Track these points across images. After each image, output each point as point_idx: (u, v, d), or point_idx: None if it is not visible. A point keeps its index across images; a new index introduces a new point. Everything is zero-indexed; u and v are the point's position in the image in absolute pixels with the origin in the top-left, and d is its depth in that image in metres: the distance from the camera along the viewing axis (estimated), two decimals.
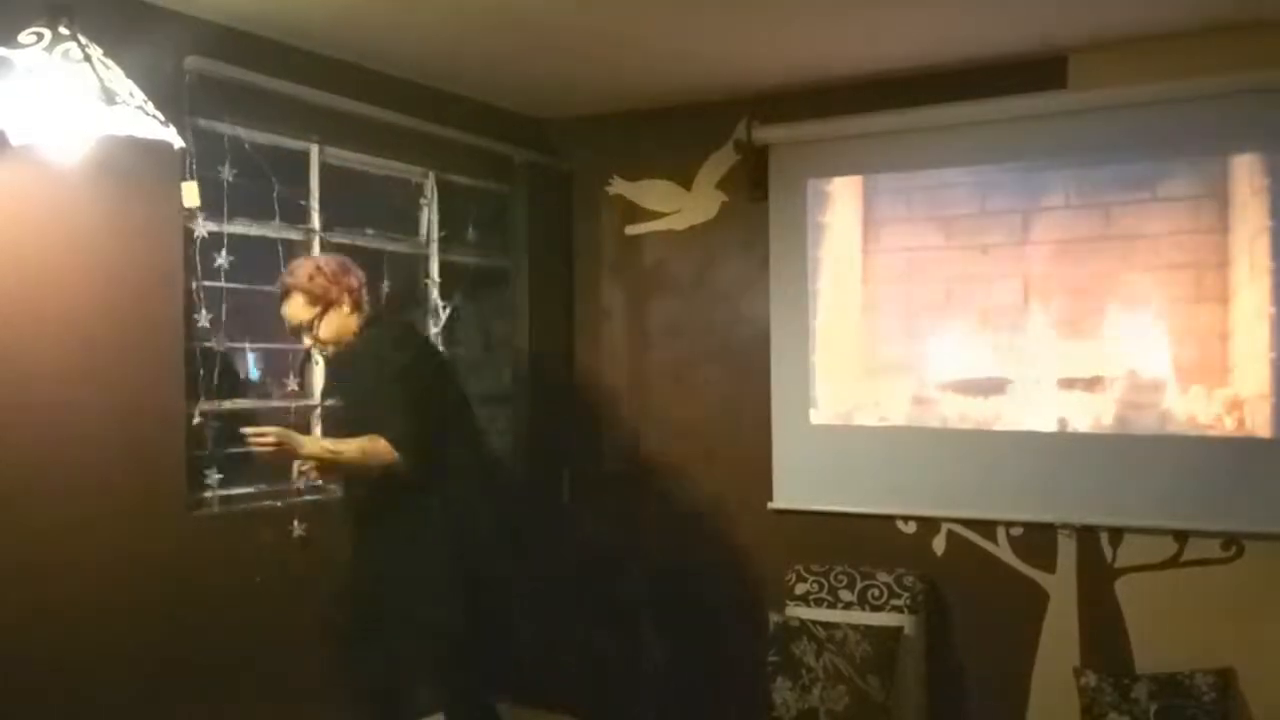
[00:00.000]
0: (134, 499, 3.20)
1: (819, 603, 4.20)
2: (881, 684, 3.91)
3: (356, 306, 3.28)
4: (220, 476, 3.50)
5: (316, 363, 3.79)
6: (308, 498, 3.71)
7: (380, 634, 3.20)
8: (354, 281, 3.28)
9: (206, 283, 3.46)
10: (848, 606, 4.15)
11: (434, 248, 4.46)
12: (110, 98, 2.68)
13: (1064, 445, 4.01)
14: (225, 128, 3.54)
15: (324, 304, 3.24)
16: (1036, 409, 4.06)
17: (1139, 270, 3.90)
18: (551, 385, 4.83)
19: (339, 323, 3.27)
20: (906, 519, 4.25)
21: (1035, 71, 3.96)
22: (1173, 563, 3.83)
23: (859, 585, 4.17)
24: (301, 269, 3.28)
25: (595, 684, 4.34)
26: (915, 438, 4.25)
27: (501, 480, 3.52)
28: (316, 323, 3.25)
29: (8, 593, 2.89)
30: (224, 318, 3.51)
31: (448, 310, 4.51)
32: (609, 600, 4.39)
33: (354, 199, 4.11)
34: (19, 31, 2.69)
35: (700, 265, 4.68)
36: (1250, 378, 3.73)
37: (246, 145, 3.61)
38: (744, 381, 4.55)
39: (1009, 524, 4.08)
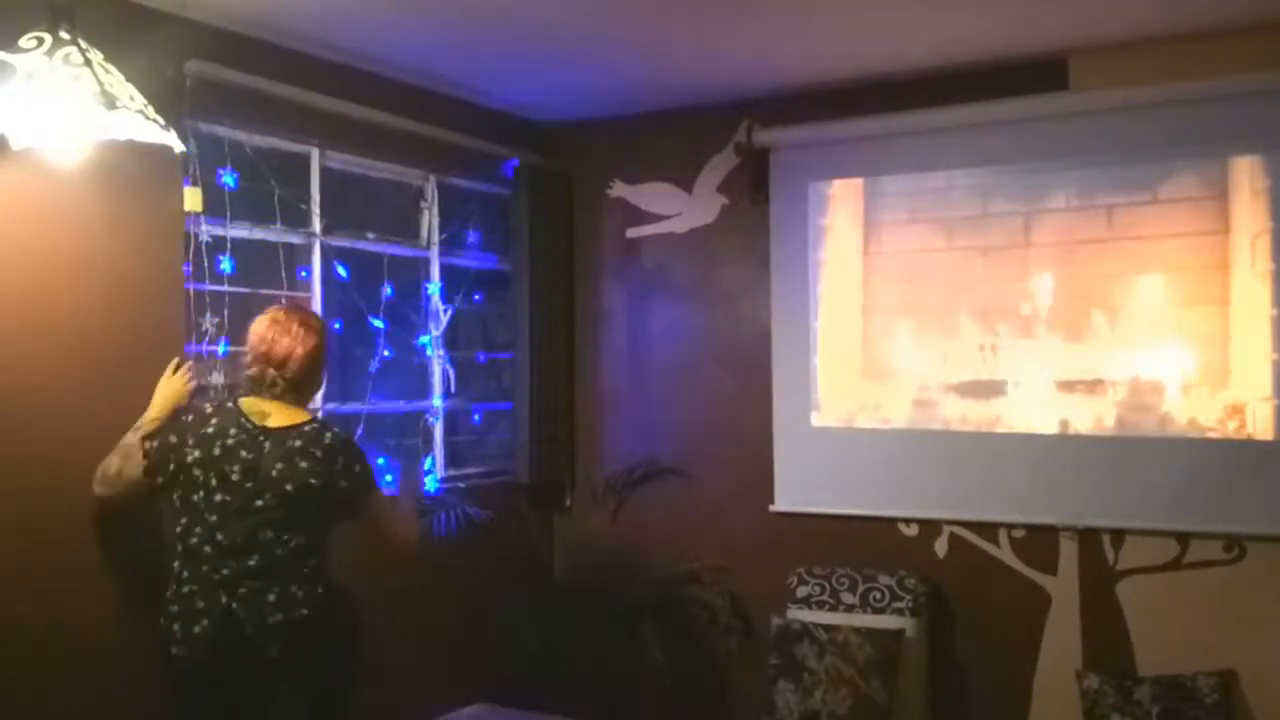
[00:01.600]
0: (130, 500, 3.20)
1: (821, 605, 4.20)
2: (883, 686, 3.91)
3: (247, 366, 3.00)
4: None
5: None
6: None
7: None
8: (249, 348, 2.98)
9: (208, 286, 3.46)
10: (849, 609, 4.14)
11: (435, 251, 4.47)
12: (111, 102, 2.68)
13: (1065, 447, 4.00)
14: (226, 131, 3.54)
15: None
16: (1038, 411, 4.05)
17: (1140, 272, 3.90)
18: (553, 388, 4.83)
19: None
20: (908, 521, 4.25)
21: (1035, 73, 3.96)
22: (1175, 565, 3.83)
23: (861, 588, 4.17)
24: (264, 319, 3.02)
25: (595, 685, 4.33)
26: (917, 440, 4.25)
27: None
28: None
29: (8, 592, 2.90)
30: (226, 322, 3.51)
31: (448, 313, 4.51)
32: (609, 602, 4.39)
33: (355, 202, 4.12)
34: (20, 36, 2.70)
35: (701, 268, 4.68)
36: (1251, 380, 3.73)
37: (247, 149, 3.62)
38: (745, 384, 4.55)
39: (1011, 526, 4.07)
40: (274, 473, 2.87)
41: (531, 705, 4.26)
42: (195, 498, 2.86)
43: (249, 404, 2.95)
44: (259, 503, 2.85)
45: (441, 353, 4.48)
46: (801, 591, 4.26)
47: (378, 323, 4.13)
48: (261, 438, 2.90)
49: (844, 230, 4.42)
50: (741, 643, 4.49)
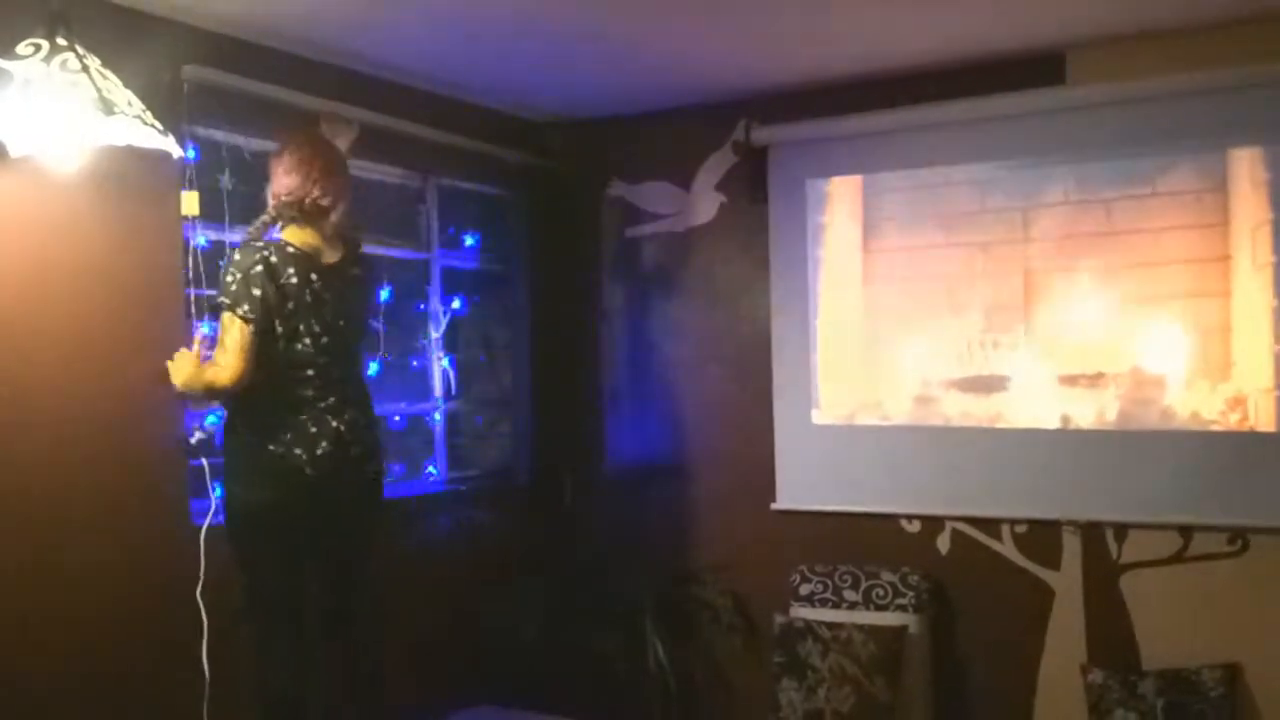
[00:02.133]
0: (135, 509, 3.20)
1: (823, 603, 4.20)
2: (887, 684, 3.91)
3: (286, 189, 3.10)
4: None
5: None
6: None
7: None
8: (286, 188, 3.10)
9: (208, 291, 3.46)
10: (852, 606, 4.14)
11: (435, 252, 4.47)
12: (109, 107, 2.68)
13: (1067, 442, 4.00)
14: (224, 136, 3.54)
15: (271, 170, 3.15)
16: (1039, 406, 4.05)
17: (1140, 265, 3.90)
18: (552, 388, 4.83)
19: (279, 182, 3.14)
20: (910, 518, 4.25)
21: (1033, 68, 3.96)
22: (1178, 558, 3.82)
23: (863, 585, 4.16)
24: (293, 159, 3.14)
25: (597, 686, 4.33)
26: (918, 436, 4.24)
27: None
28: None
29: (8, 593, 2.90)
30: None
31: (448, 315, 4.51)
32: (611, 602, 4.39)
33: (354, 205, 4.09)
34: (17, 42, 2.70)
35: (700, 267, 4.68)
36: (1253, 372, 3.72)
37: (246, 154, 3.61)
38: (745, 382, 4.55)
39: (1013, 521, 4.07)
40: (355, 308, 3.21)
41: (532, 706, 4.26)
42: (300, 345, 3.04)
43: (298, 238, 3.08)
44: (353, 342, 3.23)
45: (442, 354, 4.48)
46: (804, 589, 4.26)
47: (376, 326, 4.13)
48: (332, 277, 3.12)
49: (843, 227, 4.42)
50: (744, 641, 4.48)
